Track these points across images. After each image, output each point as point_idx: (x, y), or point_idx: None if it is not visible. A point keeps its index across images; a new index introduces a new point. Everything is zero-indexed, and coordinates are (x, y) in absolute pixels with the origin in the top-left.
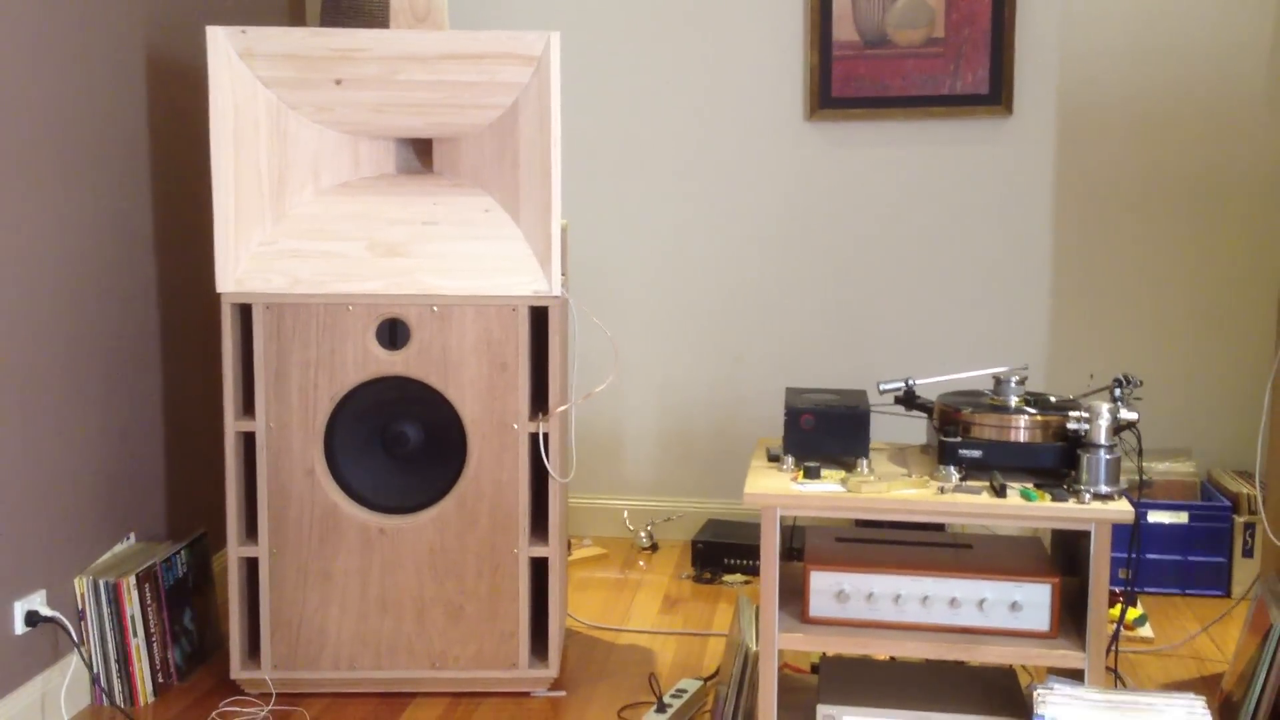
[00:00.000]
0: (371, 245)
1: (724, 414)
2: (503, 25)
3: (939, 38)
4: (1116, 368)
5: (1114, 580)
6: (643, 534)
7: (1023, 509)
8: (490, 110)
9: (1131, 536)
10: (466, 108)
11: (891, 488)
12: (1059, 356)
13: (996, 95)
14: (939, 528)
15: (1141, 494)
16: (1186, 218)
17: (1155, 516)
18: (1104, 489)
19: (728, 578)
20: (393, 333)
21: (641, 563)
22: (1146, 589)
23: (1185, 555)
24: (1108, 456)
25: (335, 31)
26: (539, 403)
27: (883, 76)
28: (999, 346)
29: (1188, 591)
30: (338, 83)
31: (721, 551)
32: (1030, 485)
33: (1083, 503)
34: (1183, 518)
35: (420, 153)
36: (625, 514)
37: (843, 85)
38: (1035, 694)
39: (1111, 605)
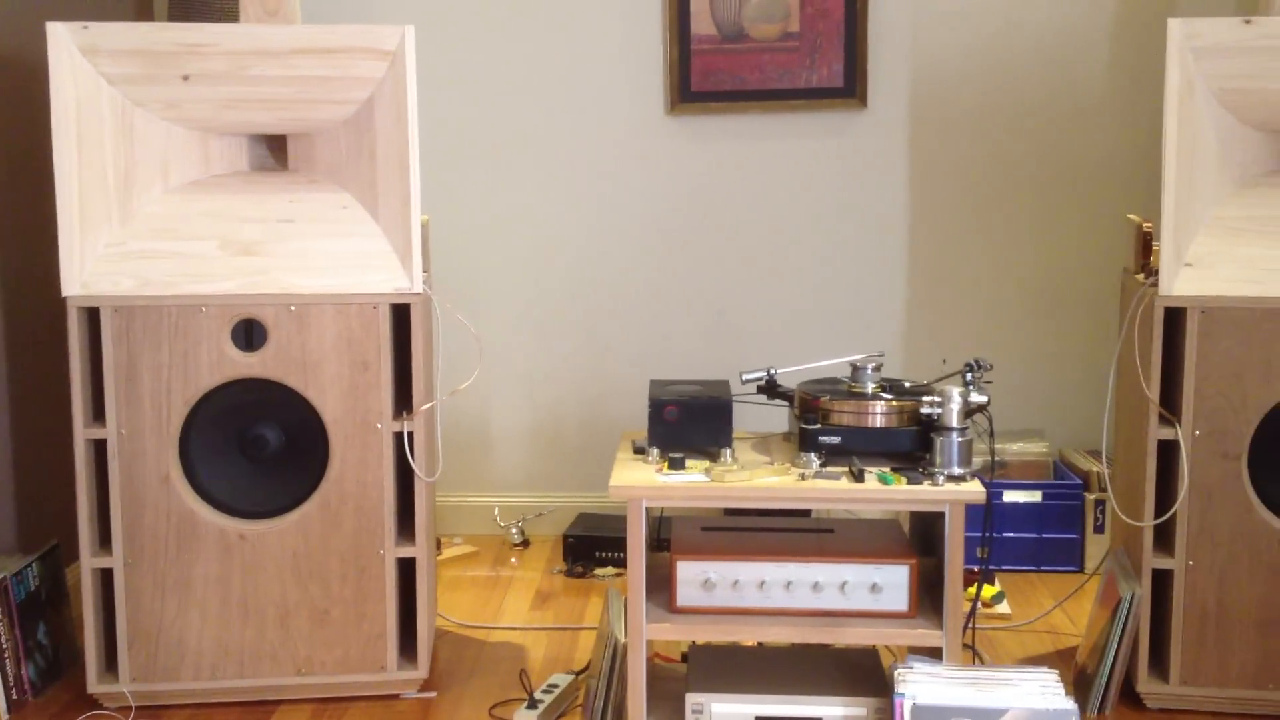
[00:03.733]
0: (225, 244)
1: (593, 407)
2: (358, 19)
3: (794, 32)
4: (971, 353)
5: (973, 560)
6: (514, 530)
7: (880, 493)
8: (345, 105)
9: (985, 516)
10: (320, 103)
11: (754, 476)
12: (916, 342)
13: (851, 88)
14: (805, 513)
15: (995, 474)
16: (1034, 206)
17: (1010, 496)
18: (957, 470)
19: (599, 571)
20: (249, 334)
21: (513, 559)
22: (1004, 567)
23: (1040, 533)
24: (959, 439)
25: (181, 26)
26: (403, 401)
27: (741, 70)
28: (860, 334)
29: (1043, 568)
30: (185, 78)
31: (593, 545)
32: (887, 469)
33: (937, 485)
34: (1036, 497)
35: (275, 149)
36: (496, 511)
37: (702, 79)
38: (895, 673)
39: (970, 584)
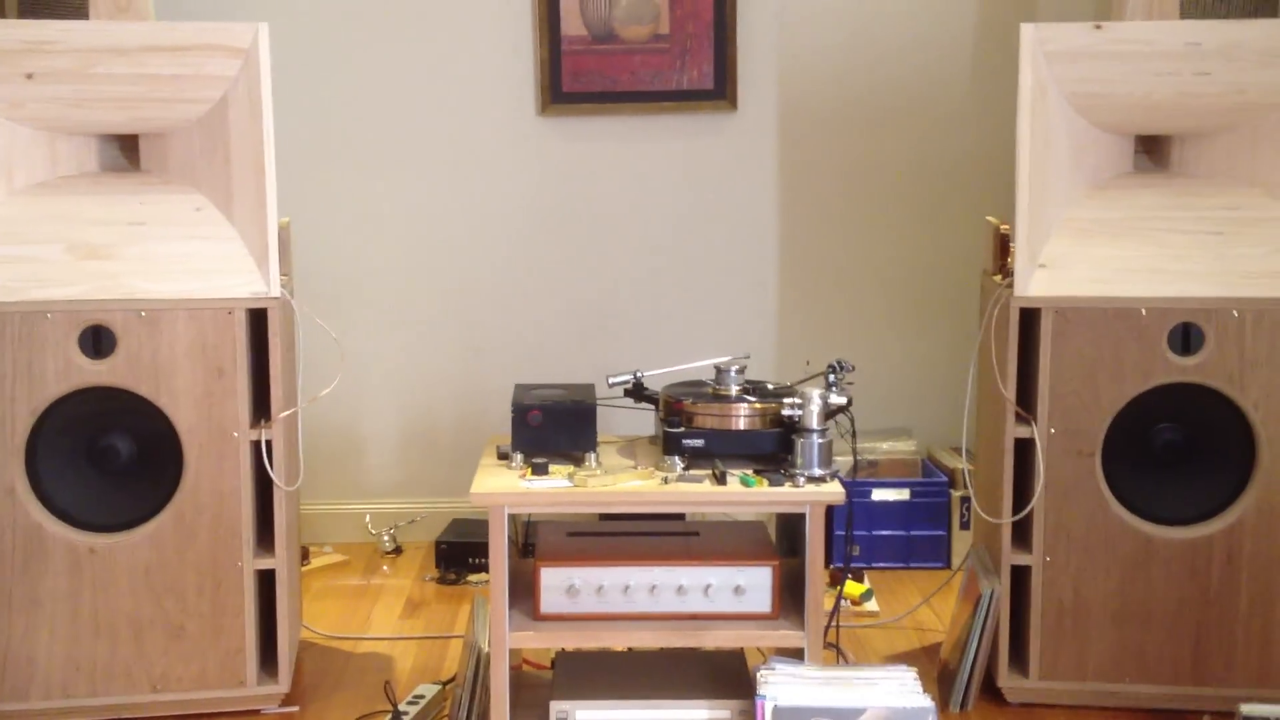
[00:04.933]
0: (71, 248)
1: (466, 410)
2: (220, 16)
3: (665, 34)
4: (842, 353)
5: (842, 559)
6: (386, 537)
7: (741, 495)
8: (198, 105)
9: (847, 516)
10: (172, 102)
11: (617, 480)
12: (789, 343)
13: (721, 90)
14: (679, 516)
15: (858, 473)
16: (902, 207)
17: (879, 494)
18: (817, 472)
19: (472, 577)
20: (97, 341)
21: (385, 567)
22: (874, 564)
23: (908, 530)
24: (819, 440)
25: (25, 23)
26: (262, 409)
27: (612, 71)
28: (733, 335)
29: (911, 565)
30: (29, 77)
31: (466, 551)
32: (750, 471)
33: (797, 486)
34: (904, 495)
35: (128, 150)
36: (367, 518)
37: (573, 80)
38: (758, 674)
39: (840, 582)
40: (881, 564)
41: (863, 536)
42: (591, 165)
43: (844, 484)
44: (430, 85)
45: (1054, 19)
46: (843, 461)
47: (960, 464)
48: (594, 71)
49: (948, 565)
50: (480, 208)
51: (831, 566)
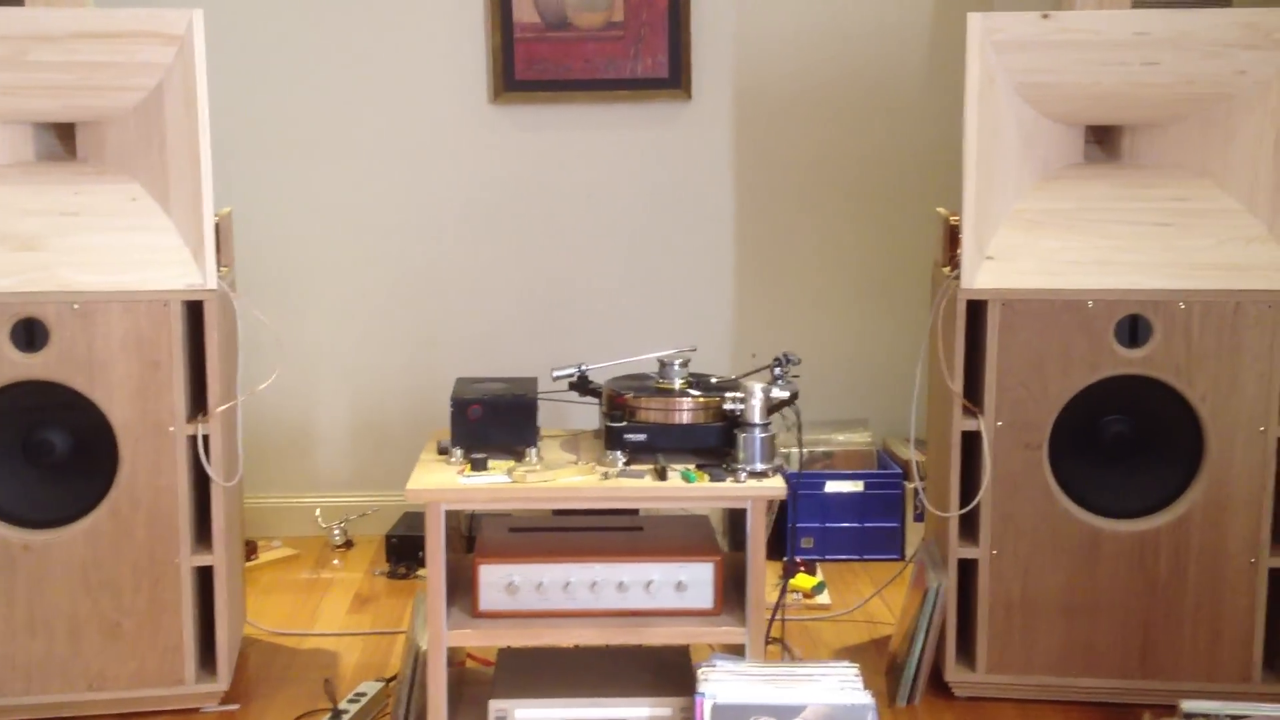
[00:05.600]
0: (2, 239)
1: (419, 403)
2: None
3: (619, 21)
4: (798, 343)
5: (799, 551)
6: (336, 531)
7: (682, 491)
8: (133, 93)
9: (789, 509)
10: (106, 90)
11: (557, 476)
12: (745, 334)
13: (676, 79)
14: (632, 511)
15: (813, 465)
16: (859, 196)
17: (833, 486)
18: (759, 466)
19: (422, 572)
20: (29, 333)
21: (336, 561)
22: (828, 556)
23: (862, 522)
24: (762, 435)
25: None
26: (201, 403)
27: (565, 59)
28: (689, 326)
29: (865, 557)
30: None
31: (416, 545)
32: (692, 467)
33: (739, 481)
34: (859, 486)
35: (65, 138)
36: (318, 511)
37: (526, 68)
38: (698, 672)
39: (793, 575)
40: (835, 556)
41: (817, 529)
42: (545, 154)
43: (788, 478)
44: (381, 73)
45: (1013, 9)
46: (806, 451)
47: (915, 455)
48: (547, 59)
49: (902, 557)
50: (432, 197)
51: (786, 559)
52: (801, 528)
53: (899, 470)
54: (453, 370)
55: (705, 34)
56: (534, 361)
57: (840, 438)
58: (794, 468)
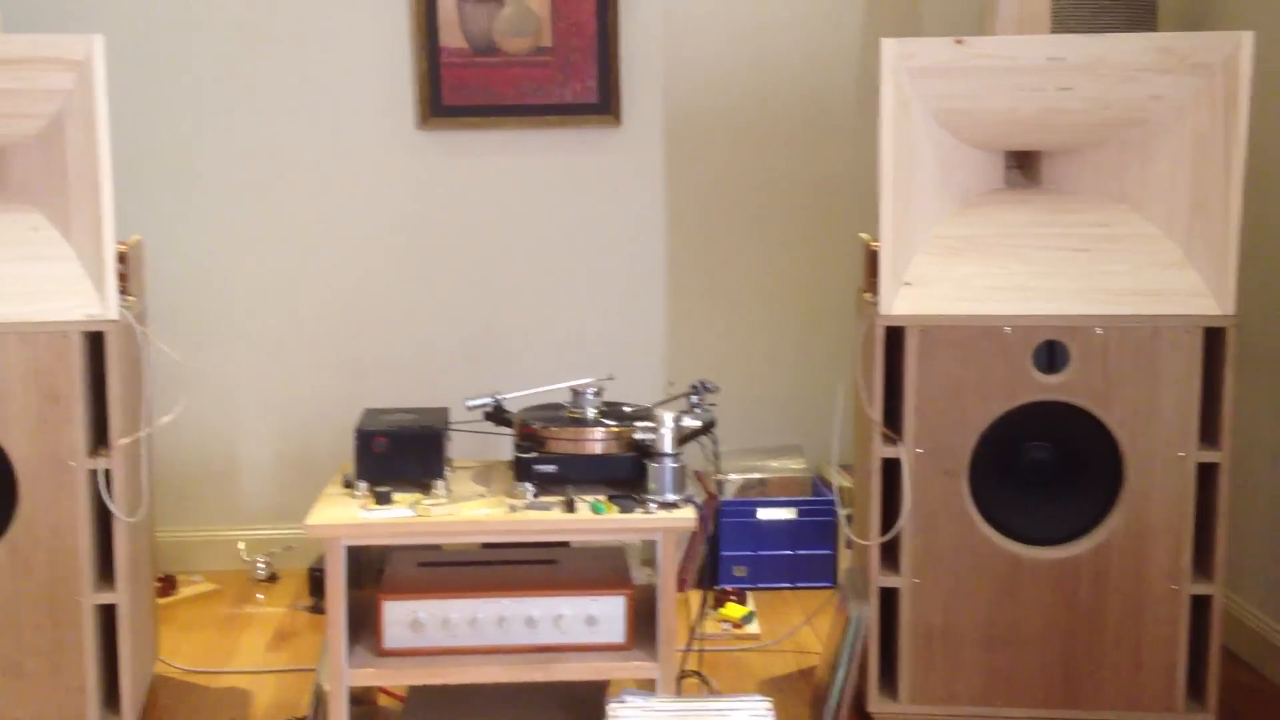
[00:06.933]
0: None
1: (346, 434)
2: (94, 27)
3: (547, 46)
4: (732, 370)
5: (730, 580)
6: (260, 565)
7: (590, 523)
8: (34, 120)
9: (695, 538)
10: (7, 117)
11: (462, 509)
12: (677, 362)
13: (606, 104)
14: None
15: (752, 493)
16: (790, 223)
17: (766, 514)
18: (670, 497)
19: None
20: None
21: (259, 595)
22: (761, 585)
23: (795, 549)
24: (673, 465)
25: None
26: (104, 436)
27: (494, 85)
28: (620, 354)
29: (799, 585)
30: None
31: None
32: (602, 498)
33: (649, 513)
34: (792, 513)
35: None
36: (241, 545)
37: (454, 93)
38: (607, 708)
39: (722, 604)
40: (768, 584)
41: (750, 557)
42: (473, 180)
43: (699, 508)
44: (305, 98)
45: (941, 34)
46: (740, 479)
47: (846, 482)
48: (475, 85)
49: (834, 584)
50: (358, 224)
51: (715, 589)
52: (734, 556)
53: (832, 497)
54: (380, 400)
55: (635, 59)
56: (463, 390)
57: (774, 464)
58: (727, 495)
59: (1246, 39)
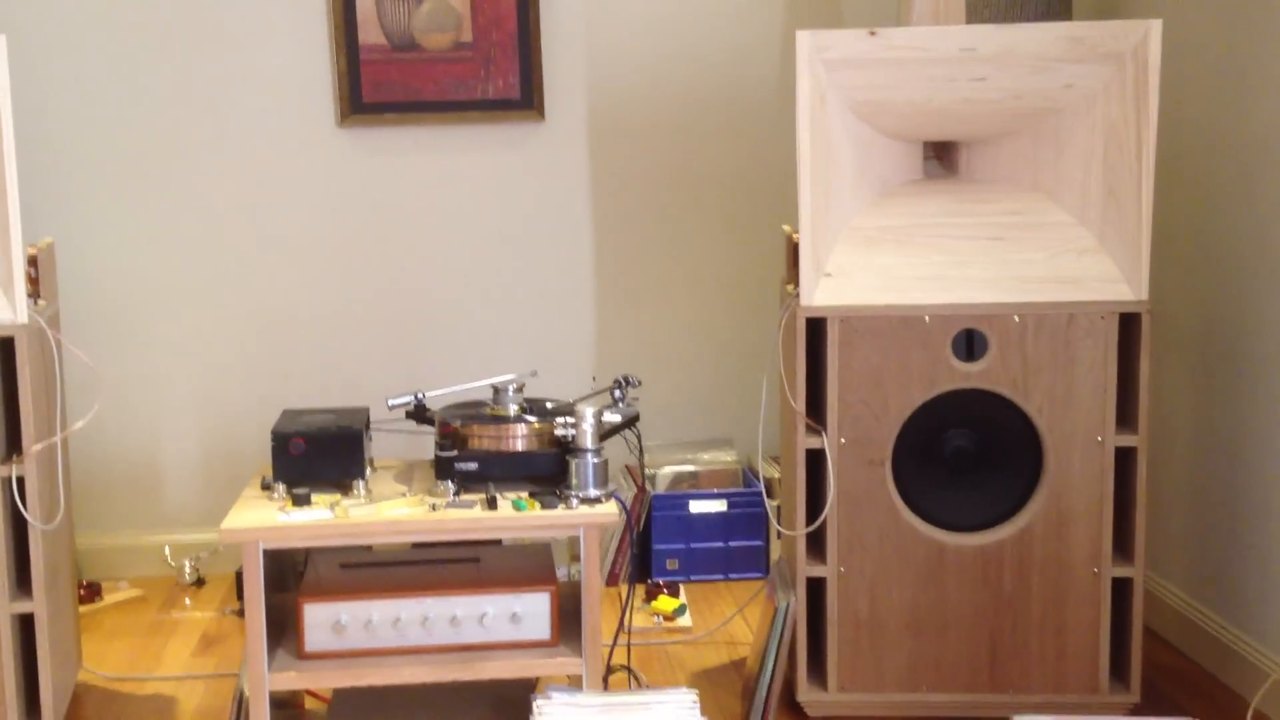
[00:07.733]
0: None
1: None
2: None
3: (467, 42)
4: (661, 362)
5: (663, 573)
6: (187, 569)
7: (511, 520)
8: None
9: (625, 532)
10: None
11: (381, 510)
12: (606, 357)
13: (529, 100)
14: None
15: (684, 486)
16: (717, 215)
17: (697, 506)
18: (592, 492)
19: None
20: None
21: (187, 600)
22: (694, 577)
23: (727, 541)
24: (594, 460)
25: None
26: (17, 443)
27: (414, 81)
28: (549, 349)
29: (730, 576)
30: None
31: None
32: (524, 495)
33: (570, 508)
34: (723, 506)
35: None
36: (167, 549)
37: (373, 90)
38: (534, 704)
39: (654, 598)
40: (701, 576)
41: (682, 550)
42: (396, 178)
43: (620, 502)
44: (222, 97)
45: (861, 25)
46: (672, 472)
47: (776, 472)
48: (395, 81)
49: (766, 575)
50: (279, 224)
51: (650, 581)
52: (667, 549)
53: (760, 488)
54: (305, 399)
55: (556, 54)
56: (390, 389)
57: (706, 457)
58: (658, 489)
59: (1155, 27)
